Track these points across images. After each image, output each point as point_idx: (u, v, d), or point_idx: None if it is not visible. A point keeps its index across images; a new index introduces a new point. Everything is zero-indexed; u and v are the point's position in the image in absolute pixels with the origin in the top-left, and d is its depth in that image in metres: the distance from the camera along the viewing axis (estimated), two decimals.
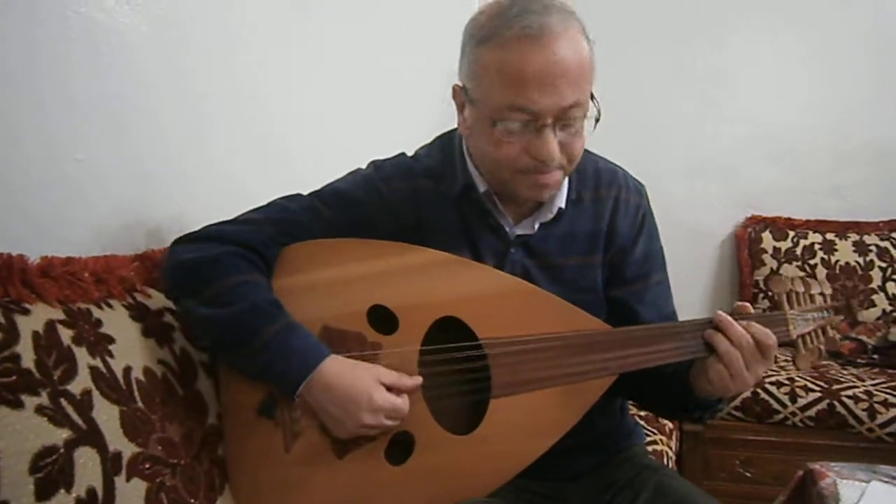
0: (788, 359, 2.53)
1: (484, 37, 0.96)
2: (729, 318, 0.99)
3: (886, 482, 1.33)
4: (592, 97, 1.00)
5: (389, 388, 0.98)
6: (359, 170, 1.18)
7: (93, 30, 1.09)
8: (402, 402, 0.98)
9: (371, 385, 0.97)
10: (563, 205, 1.11)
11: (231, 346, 0.99)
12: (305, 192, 1.14)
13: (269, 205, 1.12)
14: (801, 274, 2.67)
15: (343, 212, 1.11)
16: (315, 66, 1.79)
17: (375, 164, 1.17)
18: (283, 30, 1.63)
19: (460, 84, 1.04)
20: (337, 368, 0.97)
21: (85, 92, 1.08)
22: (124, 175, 1.17)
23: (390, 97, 2.12)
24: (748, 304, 1.04)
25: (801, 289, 1.08)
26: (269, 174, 1.57)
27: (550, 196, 1.09)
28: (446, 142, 1.16)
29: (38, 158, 1.01)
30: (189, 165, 1.34)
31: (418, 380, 1.01)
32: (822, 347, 1.08)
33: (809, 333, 1.07)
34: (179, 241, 1.07)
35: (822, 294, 1.10)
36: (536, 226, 1.11)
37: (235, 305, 0.97)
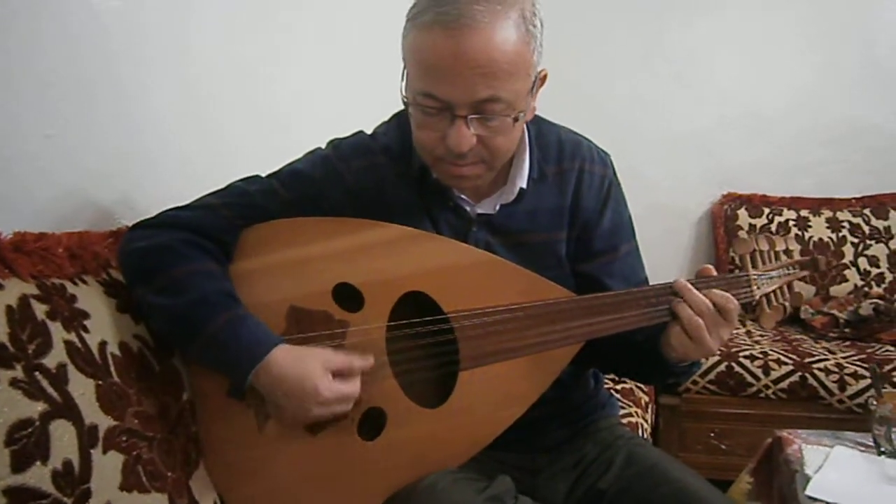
0: (764, 333, 2.57)
1: (412, 14, 0.94)
2: (687, 284, 1.00)
3: (850, 447, 1.37)
4: (535, 91, 0.98)
5: (340, 372, 0.98)
6: (318, 149, 1.17)
7: (65, 3, 1.08)
8: (349, 389, 0.98)
9: (318, 376, 0.96)
10: (524, 185, 1.10)
11: (182, 336, 1.00)
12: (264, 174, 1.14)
13: (226, 188, 1.11)
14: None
15: (302, 192, 1.10)
16: (308, 35, 1.81)
17: (334, 144, 1.16)
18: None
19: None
20: (284, 360, 0.97)
21: (56, 67, 1.07)
22: (95, 151, 1.16)
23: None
24: (711, 267, 1.05)
25: (765, 247, 1.10)
26: (256, 145, 1.57)
27: (511, 176, 1.10)
28: (403, 120, 1.13)
29: (8, 134, 1.00)
30: (163, 141, 1.34)
31: (370, 359, 1.00)
32: (787, 304, 1.10)
33: (774, 292, 1.09)
34: (135, 228, 1.06)
35: (786, 251, 1.12)
36: (497, 207, 1.11)
37: (185, 296, 0.97)
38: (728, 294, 0.99)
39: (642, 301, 1.03)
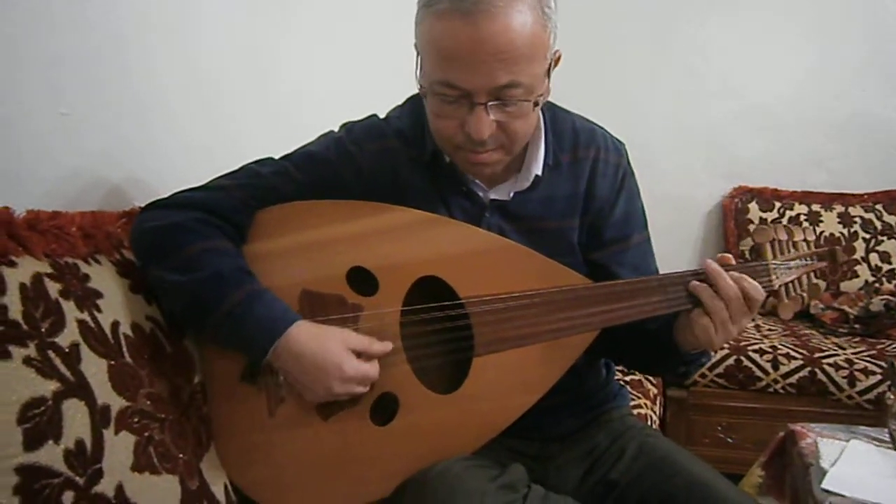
0: (773, 328, 2.56)
1: (426, 2, 0.92)
2: (720, 269, 0.98)
3: (865, 441, 1.36)
4: (550, 72, 0.97)
5: (359, 354, 0.98)
6: (331, 132, 1.16)
7: None
8: (371, 369, 0.98)
9: (341, 354, 0.96)
10: (539, 172, 1.09)
11: (197, 314, 0.98)
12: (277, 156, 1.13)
13: (239, 170, 1.11)
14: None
15: (315, 174, 1.10)
16: (314, 18, 1.78)
17: (347, 127, 1.15)
18: None
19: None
20: (305, 336, 0.96)
21: (65, 48, 1.06)
22: (104, 131, 1.15)
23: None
24: (730, 256, 1.03)
25: (784, 237, 1.08)
26: (264, 128, 1.56)
27: (526, 163, 1.09)
28: (417, 104, 1.13)
29: (22, 112, 0.99)
30: (171, 123, 1.33)
31: (388, 345, 1.00)
32: (805, 295, 1.08)
33: (792, 282, 1.07)
34: (147, 208, 1.06)
35: (805, 241, 1.10)
36: (511, 194, 1.10)
37: (199, 272, 0.96)
38: (758, 284, 0.98)
39: (660, 288, 1.01)
